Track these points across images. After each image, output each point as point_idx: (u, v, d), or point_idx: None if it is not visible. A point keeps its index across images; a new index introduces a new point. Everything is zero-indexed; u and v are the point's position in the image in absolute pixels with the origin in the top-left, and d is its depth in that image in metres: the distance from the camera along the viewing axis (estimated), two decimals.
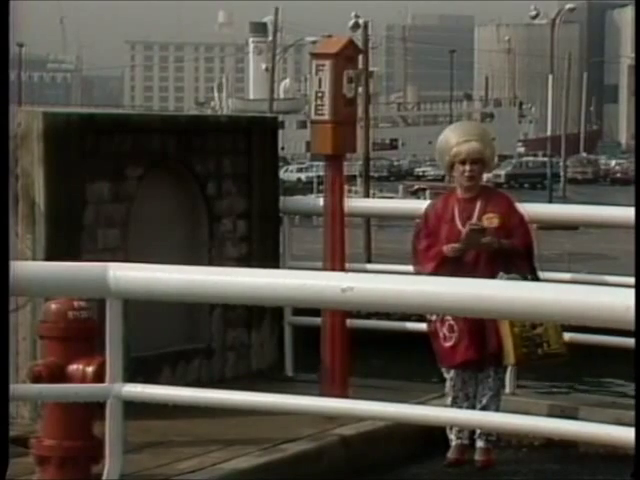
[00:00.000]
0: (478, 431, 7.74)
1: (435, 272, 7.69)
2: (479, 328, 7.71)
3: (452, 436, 7.94)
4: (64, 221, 8.62)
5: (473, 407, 7.88)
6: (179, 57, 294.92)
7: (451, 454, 7.89)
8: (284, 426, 7.70)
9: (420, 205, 9.03)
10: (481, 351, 7.84)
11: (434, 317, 7.85)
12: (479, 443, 7.85)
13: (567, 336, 8.59)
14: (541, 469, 7.94)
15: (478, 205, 7.98)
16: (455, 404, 7.95)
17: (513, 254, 7.86)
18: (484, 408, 7.80)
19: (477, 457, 7.85)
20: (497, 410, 7.73)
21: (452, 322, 7.75)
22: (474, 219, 7.88)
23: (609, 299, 5.15)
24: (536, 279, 7.79)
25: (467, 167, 7.94)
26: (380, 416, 6.60)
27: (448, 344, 7.82)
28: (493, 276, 7.62)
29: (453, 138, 8.06)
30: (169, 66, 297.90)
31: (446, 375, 8.13)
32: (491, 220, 7.88)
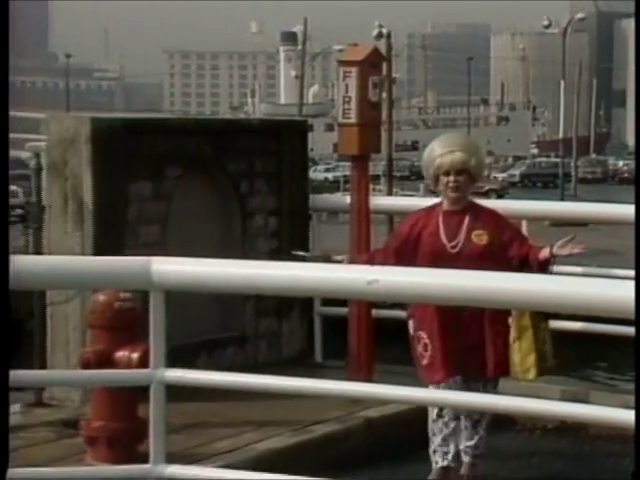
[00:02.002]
0: (463, 445, 7.15)
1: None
2: (455, 348, 7.07)
3: (437, 458, 7.21)
4: (109, 219, 8.67)
5: (458, 423, 7.18)
6: (214, 65, 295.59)
7: (433, 475, 7.19)
8: (313, 409, 7.73)
9: (430, 203, 8.96)
10: (457, 370, 7.10)
11: (411, 330, 7.26)
12: (465, 458, 7.20)
13: (578, 325, 8.61)
14: (555, 450, 7.93)
15: (466, 220, 7.22)
16: (440, 418, 7.19)
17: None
18: (476, 423, 7.14)
19: (463, 471, 7.19)
20: (487, 425, 7.18)
21: (427, 341, 7.14)
22: (462, 235, 7.19)
23: (616, 291, 5.15)
24: None
25: (451, 178, 7.18)
26: (403, 400, 6.60)
27: (424, 362, 7.18)
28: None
29: (437, 150, 7.33)
30: (205, 73, 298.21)
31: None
32: (480, 237, 7.18)
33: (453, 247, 7.16)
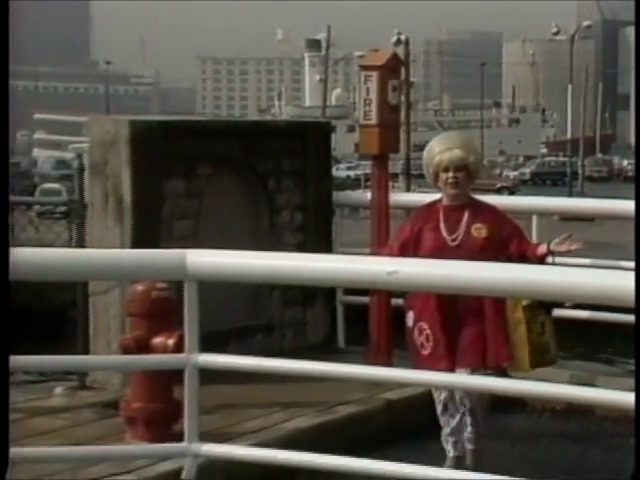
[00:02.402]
0: (466, 434, 6.97)
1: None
2: (456, 338, 6.89)
3: (449, 447, 7.08)
4: (146, 215, 8.69)
5: (463, 414, 7.00)
6: (243, 70, 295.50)
7: (447, 464, 6.96)
8: (336, 391, 7.76)
9: None
10: (458, 360, 6.89)
11: (411, 322, 7.05)
12: (468, 446, 7.03)
13: (585, 314, 8.59)
14: (563, 431, 7.92)
15: (466, 215, 7.04)
16: (446, 412, 7.07)
17: None
18: (472, 411, 6.95)
19: (468, 461, 6.98)
20: (483, 415, 7.00)
21: (429, 332, 6.93)
22: (461, 229, 7.02)
23: (618, 281, 5.15)
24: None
25: (450, 174, 6.99)
26: (420, 383, 6.61)
27: (425, 352, 6.95)
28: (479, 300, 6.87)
29: (436, 148, 7.13)
30: (235, 78, 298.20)
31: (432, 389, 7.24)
32: (479, 231, 6.99)
33: (453, 240, 6.99)
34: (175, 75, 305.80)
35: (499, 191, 53.94)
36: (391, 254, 7.01)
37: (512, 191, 58.98)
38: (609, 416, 7.36)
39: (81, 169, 9.18)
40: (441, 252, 6.81)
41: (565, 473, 5.34)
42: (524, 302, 6.72)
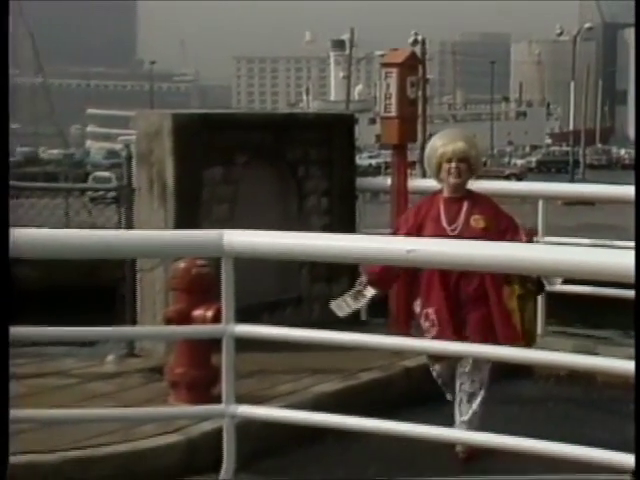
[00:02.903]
0: (458, 421, 6.66)
1: (372, 269, 6.72)
2: (461, 325, 6.61)
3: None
4: (187, 199, 8.70)
5: (460, 401, 6.74)
6: (274, 68, 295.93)
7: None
8: (359, 359, 7.74)
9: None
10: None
11: (417, 308, 6.81)
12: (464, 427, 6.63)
13: (589, 289, 8.53)
14: (567, 396, 7.89)
15: (465, 206, 6.75)
16: (446, 387, 6.91)
17: None
18: (471, 395, 6.71)
19: (458, 448, 6.54)
20: (482, 400, 6.70)
21: (434, 317, 6.69)
22: (460, 219, 6.73)
23: (619, 259, 5.12)
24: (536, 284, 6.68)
25: (453, 164, 6.71)
26: (434, 351, 6.59)
27: (429, 336, 6.68)
28: (483, 286, 6.61)
29: (439, 141, 6.88)
30: (267, 75, 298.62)
31: (432, 368, 7.02)
32: (477, 221, 6.71)
33: (453, 230, 6.72)
34: (213, 73, 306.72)
35: (507, 178, 53.71)
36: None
37: (519, 178, 58.83)
38: (610, 382, 7.32)
39: (129, 158, 9.20)
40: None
41: (568, 435, 5.32)
42: (518, 292, 6.54)
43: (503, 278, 6.52)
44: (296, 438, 6.43)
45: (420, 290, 6.81)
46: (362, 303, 6.84)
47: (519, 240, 6.69)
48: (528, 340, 6.60)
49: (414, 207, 7.18)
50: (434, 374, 6.96)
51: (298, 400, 7.10)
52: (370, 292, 6.75)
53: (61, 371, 8.06)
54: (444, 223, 6.75)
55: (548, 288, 6.86)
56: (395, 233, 6.94)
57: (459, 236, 6.68)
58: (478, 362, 6.63)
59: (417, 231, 6.78)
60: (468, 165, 6.78)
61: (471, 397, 6.70)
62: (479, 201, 6.87)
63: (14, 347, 8.29)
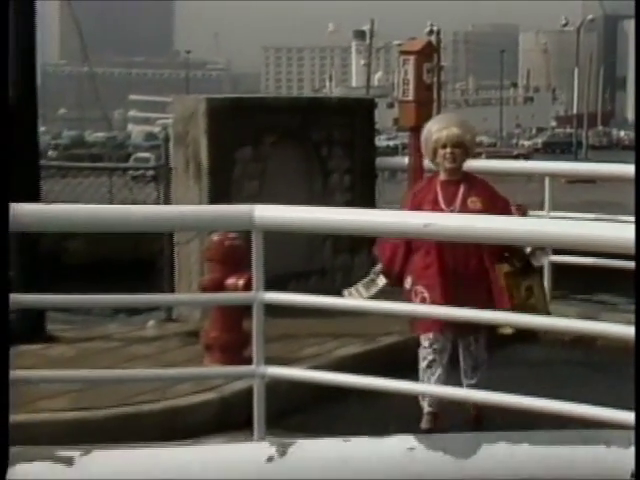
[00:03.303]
0: (465, 384, 6.42)
1: (391, 264, 6.43)
2: (452, 300, 6.11)
3: (424, 404, 6.46)
4: (220, 176, 8.69)
5: (447, 375, 6.44)
6: (300, 57, 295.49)
7: (424, 424, 6.42)
8: (379, 324, 7.71)
9: (476, 164, 8.72)
10: (452, 324, 6.21)
11: (408, 285, 6.42)
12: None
13: (591, 260, 8.46)
14: (571, 359, 7.86)
15: (462, 189, 6.41)
16: (429, 369, 6.46)
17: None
18: (474, 368, 6.51)
19: (472, 411, 6.41)
20: (482, 378, 6.45)
21: (426, 294, 6.32)
22: (458, 202, 6.40)
23: (620, 232, 5.07)
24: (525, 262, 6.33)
25: (448, 150, 6.36)
26: (450, 316, 6.55)
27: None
28: (481, 266, 6.31)
29: (434, 126, 6.53)
30: (293, 63, 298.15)
31: (423, 342, 6.55)
32: (474, 203, 6.37)
33: (451, 212, 6.39)
34: (243, 62, 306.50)
35: (516, 157, 53.45)
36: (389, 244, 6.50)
37: (527, 158, 58.47)
38: (610, 346, 7.27)
39: (166, 139, 9.21)
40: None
41: (572, 394, 5.29)
42: (505, 269, 6.26)
43: (496, 258, 6.26)
44: (321, 397, 6.43)
45: (412, 267, 6.47)
46: (373, 292, 6.52)
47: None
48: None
49: (412, 190, 6.91)
50: (423, 352, 6.51)
51: (322, 362, 7.10)
52: (382, 281, 6.51)
53: (106, 335, 8.10)
54: (442, 205, 6.46)
55: (535, 264, 6.50)
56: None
57: None
58: (470, 338, 6.40)
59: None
60: (463, 149, 6.46)
61: (474, 369, 6.52)
62: (475, 184, 6.58)
63: (67, 313, 8.35)
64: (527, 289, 6.30)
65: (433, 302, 6.23)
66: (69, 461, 1.51)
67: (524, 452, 1.59)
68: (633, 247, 4.81)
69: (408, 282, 6.42)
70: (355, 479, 1.58)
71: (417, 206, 6.45)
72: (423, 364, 6.46)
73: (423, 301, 6.30)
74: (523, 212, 6.75)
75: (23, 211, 6.14)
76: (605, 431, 1.69)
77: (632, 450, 1.59)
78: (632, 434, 1.65)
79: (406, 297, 6.40)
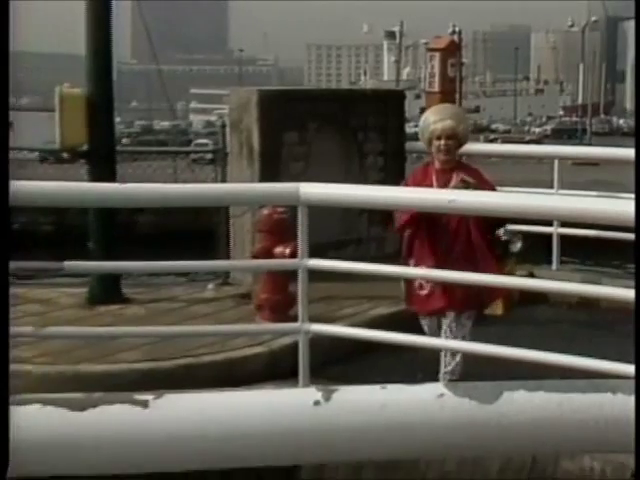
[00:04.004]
0: (442, 372, 6.03)
1: (408, 224, 6.05)
2: (452, 283, 5.88)
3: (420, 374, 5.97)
4: (270, 158, 8.68)
5: (445, 353, 6.06)
6: (338, 54, 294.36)
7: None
8: None
9: (494, 148, 8.67)
10: (451, 300, 5.97)
11: (412, 266, 6.09)
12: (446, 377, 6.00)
13: (594, 232, 8.36)
14: (576, 319, 7.79)
15: (454, 177, 6.04)
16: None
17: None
18: (453, 354, 6.01)
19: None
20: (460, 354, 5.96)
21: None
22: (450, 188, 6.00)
23: (622, 207, 5.01)
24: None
25: (442, 142, 6.01)
26: (464, 280, 6.51)
27: (423, 292, 6.03)
28: (469, 238, 5.95)
29: (431, 118, 6.16)
30: (332, 59, 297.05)
31: (422, 322, 6.25)
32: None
33: None
34: (289, 58, 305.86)
35: (528, 142, 53.02)
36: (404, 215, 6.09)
37: (537, 142, 58.03)
38: (611, 307, 7.22)
39: (223, 127, 9.21)
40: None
41: (577, 349, 5.26)
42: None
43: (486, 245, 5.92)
44: (357, 351, 6.43)
45: (413, 249, 6.16)
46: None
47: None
48: (508, 302, 6.01)
49: (410, 176, 6.49)
50: (425, 328, 6.24)
51: (358, 320, 7.09)
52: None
53: (172, 297, 8.13)
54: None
55: (513, 250, 6.10)
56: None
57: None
58: (461, 319, 5.99)
59: None
60: (457, 140, 6.11)
61: (454, 353, 6.07)
62: (467, 172, 6.22)
63: (137, 277, 8.39)
64: (508, 274, 6.01)
65: (434, 283, 5.95)
66: (144, 404, 1.52)
67: (540, 398, 1.58)
68: (632, 220, 4.76)
69: (412, 262, 6.13)
70: (392, 421, 1.57)
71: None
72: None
73: (426, 281, 6.00)
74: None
75: (104, 189, 6.18)
76: (610, 380, 1.67)
77: (633, 398, 1.58)
78: (633, 383, 1.64)
79: (408, 280, 6.12)
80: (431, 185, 6.09)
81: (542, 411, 1.57)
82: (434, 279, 5.94)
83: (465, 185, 5.90)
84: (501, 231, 5.94)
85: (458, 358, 6.02)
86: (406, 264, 6.12)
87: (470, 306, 5.99)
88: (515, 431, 1.58)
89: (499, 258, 5.98)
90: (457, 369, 6.01)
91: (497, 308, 5.99)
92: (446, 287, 5.95)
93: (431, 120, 6.13)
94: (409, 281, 6.10)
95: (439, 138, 6.04)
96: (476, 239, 5.94)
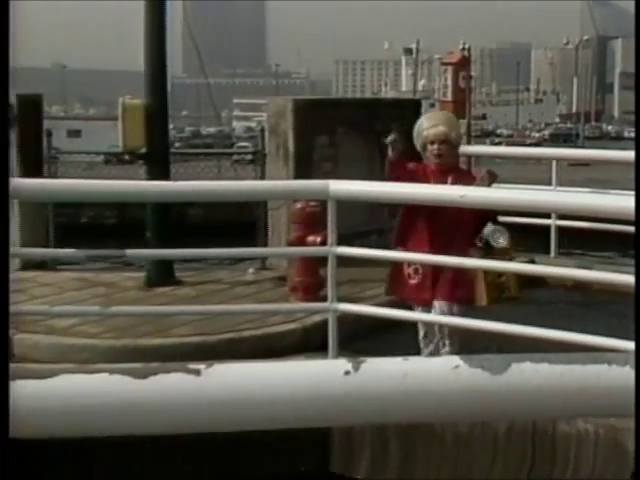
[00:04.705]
0: (425, 353, 5.74)
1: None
2: (439, 274, 5.56)
3: (423, 345, 5.83)
4: (303, 158, 8.66)
5: (439, 341, 5.71)
6: (363, 67, 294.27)
7: None
8: None
9: (495, 150, 8.58)
10: (441, 291, 5.58)
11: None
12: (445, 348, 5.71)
13: (587, 224, 8.25)
14: (571, 300, 7.72)
15: (450, 180, 5.70)
16: (426, 338, 5.84)
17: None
18: (439, 344, 5.72)
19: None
20: (457, 340, 5.63)
21: (418, 265, 5.64)
22: None
23: (614, 202, 4.96)
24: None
25: (435, 147, 5.70)
26: (477, 265, 6.45)
27: (412, 282, 5.68)
28: (462, 229, 5.57)
29: (425, 124, 5.85)
30: (357, 73, 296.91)
31: (416, 308, 5.84)
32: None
33: None
34: (319, 71, 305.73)
35: (529, 145, 52.66)
36: (400, 172, 5.75)
37: (537, 145, 57.63)
38: (603, 289, 7.15)
39: (262, 131, 9.19)
40: (433, 207, 5.52)
41: (573, 326, 5.20)
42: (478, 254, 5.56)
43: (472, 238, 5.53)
44: (379, 327, 6.40)
45: (403, 240, 5.82)
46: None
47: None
48: (493, 294, 5.57)
49: (412, 165, 5.93)
50: (420, 324, 5.91)
51: (380, 301, 7.02)
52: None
53: (218, 279, 8.15)
54: None
55: (494, 245, 5.60)
56: (393, 161, 5.83)
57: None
58: (452, 309, 5.57)
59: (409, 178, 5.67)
60: (449, 145, 5.75)
61: (439, 345, 5.73)
62: (461, 174, 5.92)
63: (188, 263, 8.40)
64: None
65: (424, 274, 5.63)
66: (197, 372, 1.52)
67: (544, 369, 1.57)
68: (620, 213, 4.70)
69: (402, 250, 5.75)
70: (413, 389, 1.56)
71: (411, 177, 5.70)
72: (421, 333, 5.89)
73: (416, 271, 5.68)
74: (493, 177, 5.83)
75: (160, 187, 6.21)
76: (606, 354, 1.67)
77: (627, 368, 1.58)
78: (627, 356, 1.63)
79: (396, 266, 5.81)
80: (427, 182, 5.70)
81: (546, 380, 1.57)
82: (432, 264, 5.55)
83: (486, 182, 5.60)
84: (486, 229, 5.52)
85: (448, 344, 5.67)
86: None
87: (459, 298, 5.58)
88: (522, 398, 1.58)
89: (482, 252, 5.51)
90: (455, 347, 5.65)
91: (481, 300, 5.54)
92: (434, 279, 5.57)
93: (424, 126, 5.82)
94: (397, 270, 5.73)
95: (432, 143, 5.72)
96: (468, 231, 5.55)
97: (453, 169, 5.85)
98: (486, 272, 5.50)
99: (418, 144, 5.85)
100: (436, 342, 5.75)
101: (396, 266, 5.78)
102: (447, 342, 5.68)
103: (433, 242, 5.61)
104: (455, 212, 5.43)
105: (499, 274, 5.55)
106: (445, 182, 5.72)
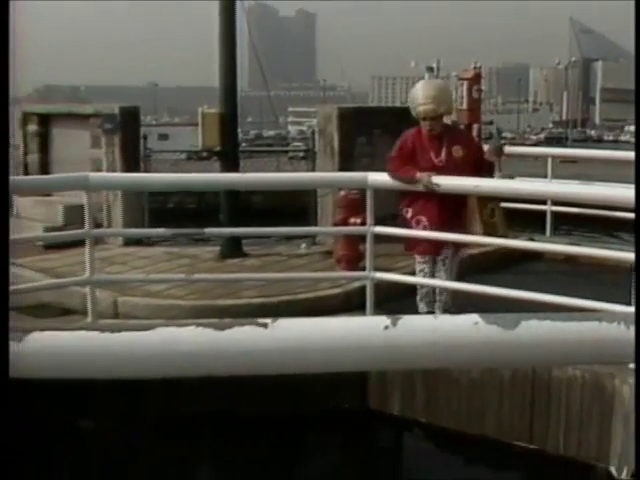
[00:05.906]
0: (438, 302, 5.55)
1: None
2: (444, 226, 5.33)
3: (422, 304, 5.66)
4: (345, 156, 8.58)
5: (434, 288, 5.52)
6: (394, 82, 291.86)
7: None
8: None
9: (507, 149, 8.30)
10: (443, 243, 5.41)
11: (409, 215, 5.53)
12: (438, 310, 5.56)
13: (577, 210, 8.04)
14: (564, 271, 7.52)
15: (445, 141, 5.36)
16: (422, 288, 5.69)
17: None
18: (442, 290, 5.52)
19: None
20: (445, 300, 5.54)
21: (426, 223, 5.44)
22: (444, 152, 5.36)
23: (600, 191, 4.82)
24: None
25: (427, 122, 5.36)
26: (485, 243, 6.31)
27: (423, 237, 5.50)
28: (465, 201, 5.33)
29: (419, 98, 5.39)
30: (389, 87, 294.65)
31: (419, 260, 5.72)
32: (457, 151, 5.35)
33: (440, 161, 5.38)
34: (359, 85, 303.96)
35: (528, 145, 51.94)
36: (396, 165, 5.45)
37: (535, 146, 56.64)
38: (590, 262, 6.99)
39: (312, 133, 9.13)
40: (432, 170, 5.28)
41: (565, 292, 5.09)
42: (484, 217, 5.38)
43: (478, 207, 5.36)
44: (408, 292, 6.31)
45: (413, 201, 5.55)
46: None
47: (482, 156, 5.44)
48: (488, 231, 5.34)
49: (403, 141, 5.55)
50: (420, 273, 5.69)
51: (409, 270, 6.95)
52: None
53: (277, 253, 8.14)
54: (432, 156, 5.41)
55: (488, 159, 5.45)
56: (392, 158, 5.48)
57: (445, 165, 5.35)
58: (455, 257, 5.49)
59: (411, 158, 5.41)
60: (440, 117, 5.38)
61: (442, 291, 5.58)
62: (455, 133, 5.55)
63: (254, 239, 8.39)
64: (491, 210, 5.48)
65: (430, 227, 5.39)
66: (265, 325, 1.50)
67: (548, 325, 1.55)
68: (606, 200, 4.56)
69: (409, 212, 5.57)
70: (440, 341, 1.54)
71: (411, 152, 5.42)
72: (420, 275, 5.70)
73: (424, 229, 5.44)
74: (499, 153, 5.58)
75: (231, 178, 6.21)
76: (597, 313, 1.65)
77: (615, 324, 1.55)
78: (613, 315, 1.61)
79: (406, 223, 5.55)
80: (426, 150, 5.38)
81: (549, 334, 1.54)
82: (430, 225, 5.37)
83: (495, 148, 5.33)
84: (489, 145, 5.37)
85: (440, 301, 5.58)
86: (404, 213, 5.53)
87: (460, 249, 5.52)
88: (530, 349, 1.57)
89: (482, 198, 5.37)
90: (448, 299, 5.58)
91: (476, 227, 5.36)
92: (441, 228, 5.34)
93: (418, 101, 5.38)
94: (408, 227, 5.46)
95: (424, 119, 5.39)
96: (471, 203, 5.36)
97: (446, 130, 5.45)
98: (481, 212, 5.36)
99: (413, 113, 5.49)
100: (430, 294, 5.58)
101: (407, 225, 5.52)
102: (441, 297, 5.50)
103: (438, 202, 5.37)
104: (456, 172, 5.21)
105: (491, 215, 5.41)
106: (441, 145, 5.40)
